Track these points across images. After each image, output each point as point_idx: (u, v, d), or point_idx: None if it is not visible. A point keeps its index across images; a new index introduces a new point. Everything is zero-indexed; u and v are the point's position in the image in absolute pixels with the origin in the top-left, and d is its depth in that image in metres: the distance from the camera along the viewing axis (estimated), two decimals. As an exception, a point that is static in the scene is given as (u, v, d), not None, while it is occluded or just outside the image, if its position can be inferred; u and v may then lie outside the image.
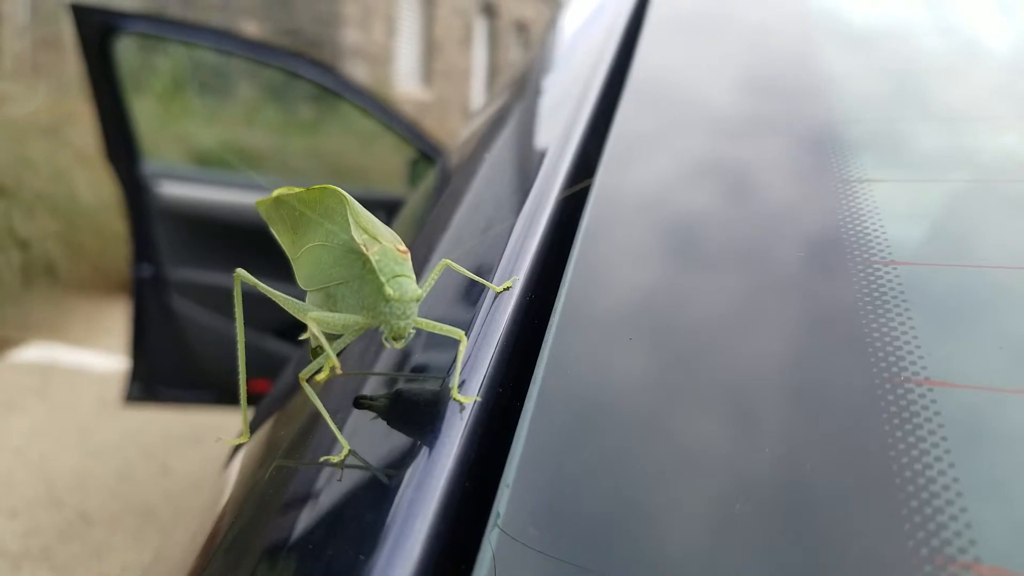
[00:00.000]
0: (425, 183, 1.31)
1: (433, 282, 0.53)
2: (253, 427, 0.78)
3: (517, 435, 0.39)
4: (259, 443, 0.60)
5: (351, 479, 0.42)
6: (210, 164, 5.15)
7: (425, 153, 2.69)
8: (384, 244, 0.49)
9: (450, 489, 0.37)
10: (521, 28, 15.85)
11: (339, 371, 0.46)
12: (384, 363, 0.55)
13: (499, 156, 0.80)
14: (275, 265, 2.75)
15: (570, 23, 1.11)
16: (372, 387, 0.52)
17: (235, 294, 0.55)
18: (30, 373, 3.87)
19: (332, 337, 0.52)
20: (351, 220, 0.49)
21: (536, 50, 1.20)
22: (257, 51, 2.74)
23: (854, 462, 0.35)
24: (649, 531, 0.34)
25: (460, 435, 0.40)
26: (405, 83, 11.81)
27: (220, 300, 2.60)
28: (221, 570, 0.45)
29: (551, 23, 1.28)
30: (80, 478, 2.92)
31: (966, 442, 0.35)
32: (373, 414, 0.47)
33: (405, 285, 0.47)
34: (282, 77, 3.93)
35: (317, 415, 0.48)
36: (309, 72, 2.66)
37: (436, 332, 0.48)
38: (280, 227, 0.56)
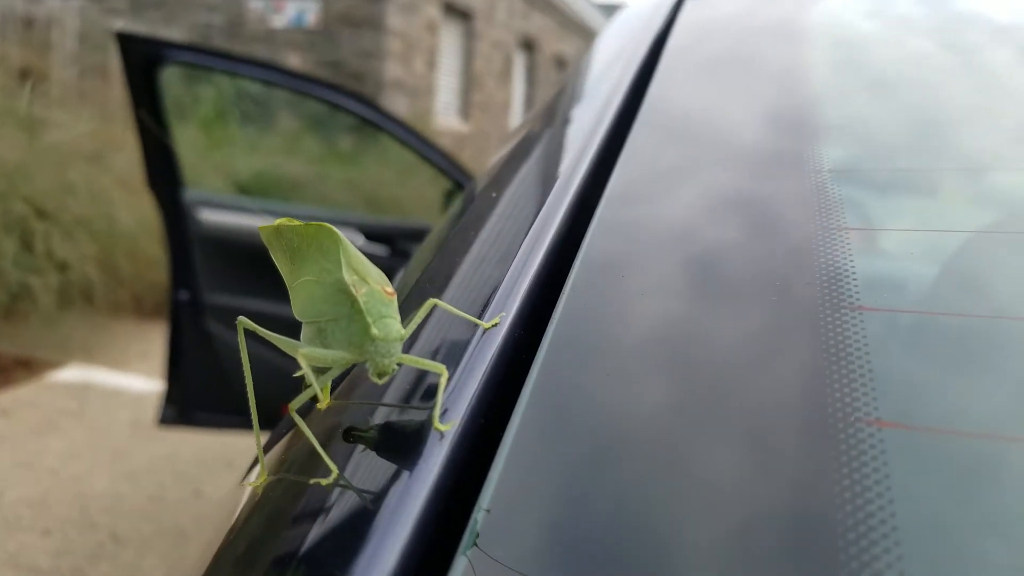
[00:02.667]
0: (449, 213, 1.34)
1: (419, 321, 0.55)
2: (270, 445, 0.80)
3: (495, 462, 0.41)
4: (273, 460, 0.63)
5: (337, 501, 0.45)
6: (250, 192, 5.23)
7: (461, 184, 2.71)
8: (372, 286, 0.52)
9: (426, 511, 0.39)
10: (560, 63, 15.99)
11: (323, 405, 0.50)
12: (376, 394, 0.57)
13: (510, 189, 0.82)
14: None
15: (596, 60, 1.12)
16: (365, 417, 0.55)
17: (239, 341, 0.59)
18: (67, 395, 3.92)
19: (322, 371, 0.55)
20: (343, 260, 0.52)
21: (563, 83, 1.22)
22: (298, 83, 2.79)
23: (801, 495, 0.37)
24: (621, 554, 0.35)
25: (439, 462, 0.42)
26: (444, 116, 11.93)
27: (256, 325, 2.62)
28: None
29: (579, 57, 1.30)
30: (113, 500, 2.95)
31: (909, 481, 0.36)
32: (364, 443, 0.50)
33: (390, 326, 0.51)
34: (322, 108, 4.00)
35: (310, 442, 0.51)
36: (348, 104, 2.70)
37: (419, 367, 0.51)
38: (279, 255, 0.59)
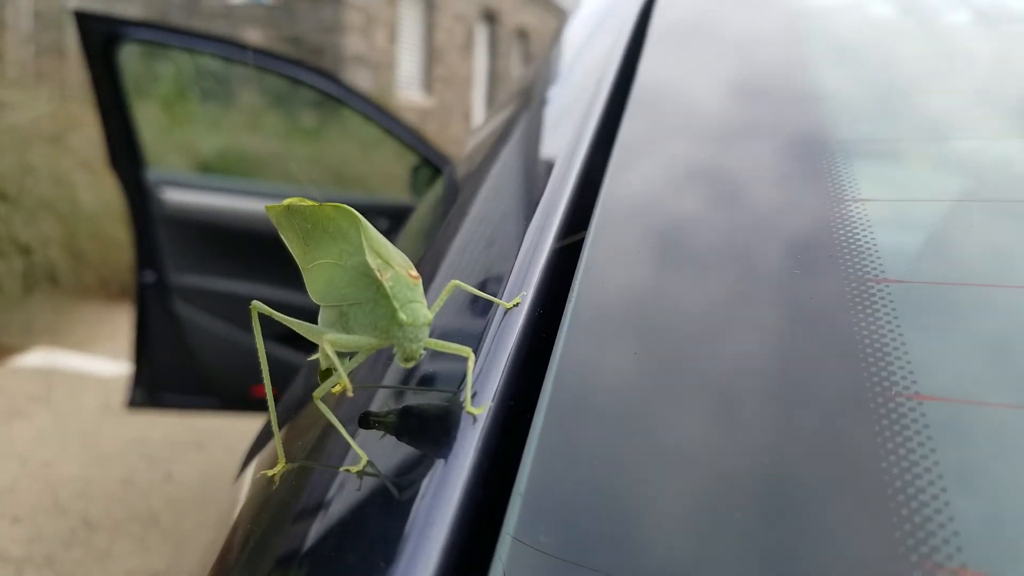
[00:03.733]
0: (432, 195, 1.32)
1: (442, 303, 0.54)
2: (262, 439, 0.78)
3: (528, 445, 0.40)
4: (271, 454, 0.61)
5: (367, 490, 0.43)
6: (213, 171, 5.16)
7: (427, 159, 2.70)
8: (397, 269, 0.51)
9: (465, 499, 0.38)
10: (522, 35, 15.87)
11: (351, 393, 0.47)
12: (394, 377, 0.56)
13: (506, 168, 0.81)
14: (277, 271, 2.75)
15: (576, 33, 1.11)
16: (383, 401, 0.54)
17: (254, 326, 0.57)
18: (33, 379, 3.88)
19: (344, 356, 0.54)
20: (365, 244, 0.51)
21: (542, 60, 1.21)
22: (259, 58, 2.75)
23: (848, 471, 0.36)
24: (658, 532, 0.35)
25: (472, 447, 0.41)
26: (407, 90, 11.82)
27: (223, 305, 2.61)
28: None
29: (557, 33, 1.29)
30: (83, 484, 2.93)
31: (955, 453, 0.36)
32: (384, 429, 0.49)
33: (417, 311, 0.50)
34: (284, 84, 3.95)
35: (329, 427, 0.50)
36: (311, 79, 2.67)
37: (445, 351, 0.50)
38: (291, 235, 0.57)
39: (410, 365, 0.51)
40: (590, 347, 0.47)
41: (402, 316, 0.49)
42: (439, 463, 0.41)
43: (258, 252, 2.64)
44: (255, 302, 0.56)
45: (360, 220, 0.51)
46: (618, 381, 0.44)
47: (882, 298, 0.46)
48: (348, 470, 0.45)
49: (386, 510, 0.41)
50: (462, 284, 0.55)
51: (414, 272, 0.52)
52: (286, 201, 0.56)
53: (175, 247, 2.60)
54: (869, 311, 0.45)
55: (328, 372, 0.57)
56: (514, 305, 0.52)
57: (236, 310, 2.60)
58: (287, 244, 0.58)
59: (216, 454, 3.23)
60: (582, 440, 0.40)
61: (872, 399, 0.39)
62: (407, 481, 0.42)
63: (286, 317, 0.56)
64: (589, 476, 0.38)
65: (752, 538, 0.34)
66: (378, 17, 10.63)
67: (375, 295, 0.51)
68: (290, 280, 2.82)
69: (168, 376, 2.66)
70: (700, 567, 0.33)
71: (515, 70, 15.36)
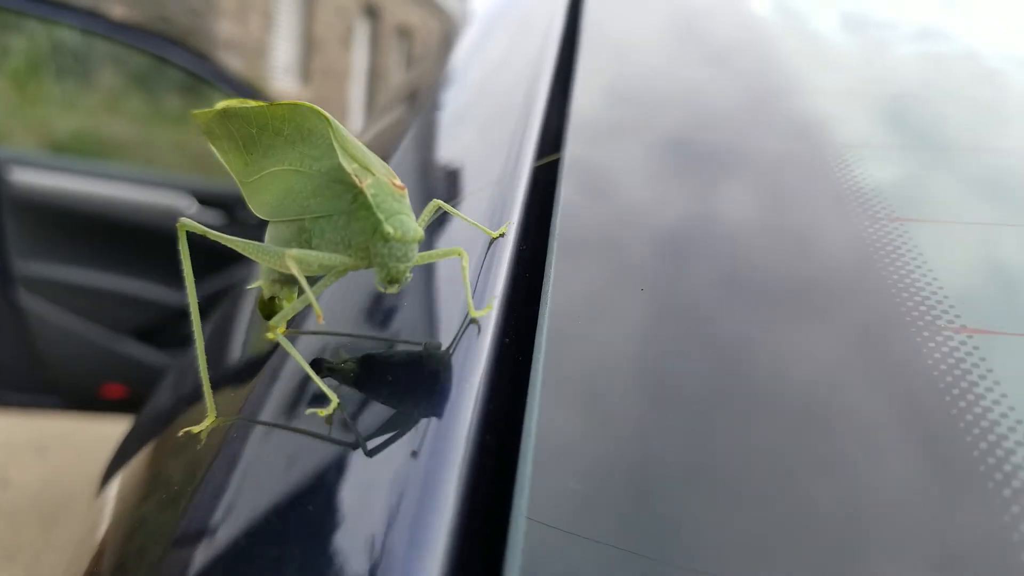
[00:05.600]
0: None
1: (426, 223, 0.48)
2: (128, 448, 0.68)
3: (531, 394, 0.34)
4: (143, 466, 0.51)
5: (336, 454, 0.36)
6: (69, 153, 4.84)
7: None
8: (378, 176, 0.43)
9: (470, 466, 0.31)
10: (404, 33, 15.75)
11: (321, 319, 0.40)
12: (359, 312, 0.49)
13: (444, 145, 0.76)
14: (138, 261, 2.56)
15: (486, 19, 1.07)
16: (348, 343, 0.46)
17: (180, 247, 0.47)
18: None
19: (295, 282, 0.47)
20: (336, 146, 0.43)
21: (433, 61, 1.16)
22: (124, 34, 2.57)
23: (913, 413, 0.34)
24: (675, 500, 0.31)
25: (472, 398, 0.34)
26: (282, 79, 11.52)
27: (74, 297, 2.42)
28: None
29: (458, 30, 1.24)
30: (-97, 490, 2.65)
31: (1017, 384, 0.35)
32: (352, 375, 0.41)
33: (406, 224, 0.42)
34: (147, 65, 3.72)
35: (280, 371, 0.42)
36: (180, 59, 2.51)
37: (435, 260, 0.45)
38: (226, 144, 0.49)
39: (394, 290, 0.43)
40: (583, 286, 0.42)
41: (388, 229, 0.42)
42: (432, 423, 0.33)
43: (117, 240, 2.46)
44: (183, 219, 0.46)
45: (329, 119, 0.43)
46: (620, 318, 0.40)
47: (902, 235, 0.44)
48: (317, 412, 0.37)
49: (368, 482, 0.33)
50: (444, 204, 0.48)
51: (398, 181, 0.44)
52: (220, 104, 0.47)
53: (21, 232, 2.38)
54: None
55: (272, 302, 0.49)
56: (500, 235, 0.46)
57: (89, 302, 2.42)
58: (219, 155, 0.50)
59: (58, 458, 2.99)
60: (588, 388, 0.35)
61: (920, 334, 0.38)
62: (391, 444, 0.34)
63: (222, 235, 0.46)
64: (602, 434, 0.33)
65: (788, 495, 0.31)
66: (253, 2, 10.30)
67: (351, 206, 0.43)
68: (152, 272, 2.65)
69: (7, 372, 2.43)
70: (720, 534, 0.29)
71: (396, 68, 15.23)
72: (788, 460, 0.32)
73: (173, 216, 2.48)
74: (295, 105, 0.44)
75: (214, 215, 2.56)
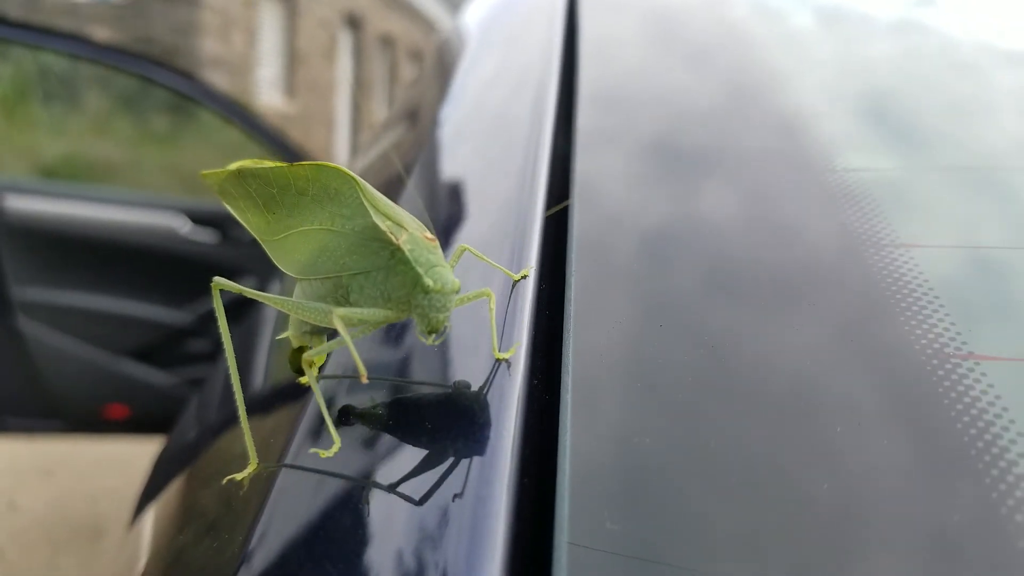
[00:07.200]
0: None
1: (455, 266, 0.49)
2: (157, 478, 0.70)
3: (562, 430, 0.36)
4: (175, 496, 0.53)
5: (377, 503, 0.37)
6: (59, 177, 4.84)
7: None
8: (412, 232, 0.45)
9: (512, 504, 0.33)
10: (387, 43, 15.74)
11: (365, 379, 0.41)
12: (389, 363, 0.51)
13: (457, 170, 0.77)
14: (134, 282, 2.58)
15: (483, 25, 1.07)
16: (379, 391, 0.48)
17: (216, 306, 0.49)
18: None
19: (324, 333, 0.48)
20: (368, 205, 0.45)
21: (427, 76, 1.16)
22: (110, 56, 2.59)
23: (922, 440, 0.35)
24: (712, 511, 0.33)
25: (510, 437, 0.36)
26: (268, 95, 11.50)
27: (73, 321, 2.44)
28: None
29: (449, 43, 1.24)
30: (-89, 520, 2.66)
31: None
32: (397, 425, 0.43)
33: (444, 276, 0.44)
34: (133, 86, 3.74)
35: (308, 420, 0.44)
36: (166, 79, 2.53)
37: (467, 303, 0.46)
38: (242, 204, 0.50)
39: (437, 341, 0.45)
40: (604, 322, 0.44)
41: (428, 282, 0.43)
42: (472, 465, 0.35)
43: (112, 263, 2.48)
44: (216, 278, 0.48)
45: (356, 179, 0.45)
46: (642, 353, 0.41)
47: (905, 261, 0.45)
48: (320, 454, 0.40)
49: (418, 528, 0.34)
50: (472, 249, 0.50)
51: (429, 234, 0.46)
52: (233, 165, 0.48)
53: (17, 259, 2.40)
54: None
55: (301, 352, 0.50)
56: (522, 277, 0.48)
57: (87, 325, 2.44)
58: (236, 215, 0.51)
59: (64, 482, 3.01)
60: (616, 419, 0.37)
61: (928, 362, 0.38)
62: (435, 489, 0.35)
63: (259, 293, 0.48)
64: (635, 459, 0.35)
65: (829, 511, 0.32)
66: (235, 19, 10.29)
67: (388, 262, 0.45)
68: (148, 292, 2.67)
69: (10, 398, 2.45)
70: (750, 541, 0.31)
71: (379, 78, 15.21)
72: (814, 486, 0.34)
73: (167, 236, 2.51)
74: (319, 166, 0.46)
75: (207, 233, 2.58)
